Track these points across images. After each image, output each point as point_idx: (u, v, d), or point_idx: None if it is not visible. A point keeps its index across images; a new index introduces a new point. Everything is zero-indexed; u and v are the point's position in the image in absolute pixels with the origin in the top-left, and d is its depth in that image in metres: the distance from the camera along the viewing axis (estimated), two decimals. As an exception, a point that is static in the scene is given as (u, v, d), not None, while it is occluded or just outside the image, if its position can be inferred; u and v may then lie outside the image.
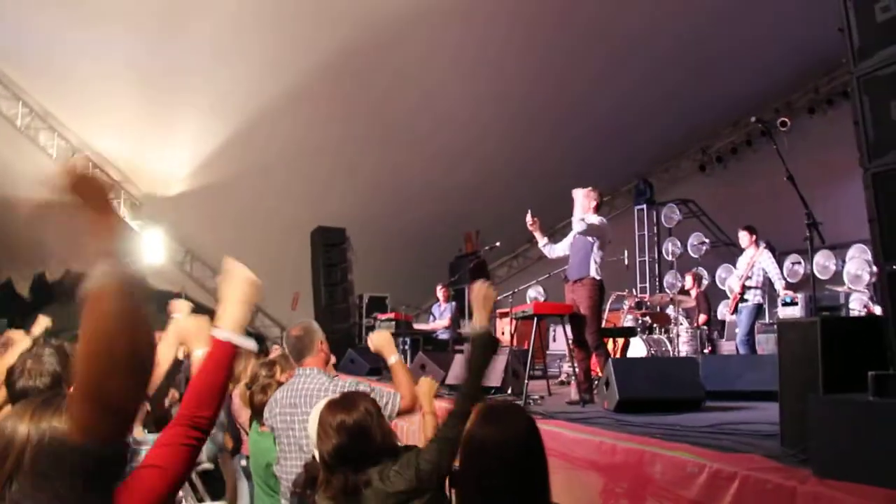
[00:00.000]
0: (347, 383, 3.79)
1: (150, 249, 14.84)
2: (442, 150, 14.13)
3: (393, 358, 4.02)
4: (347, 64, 12.10)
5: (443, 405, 6.55)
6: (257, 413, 4.44)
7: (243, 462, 5.37)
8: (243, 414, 5.53)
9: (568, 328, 7.32)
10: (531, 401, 6.76)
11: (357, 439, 2.70)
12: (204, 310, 10.98)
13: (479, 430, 2.20)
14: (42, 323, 4.83)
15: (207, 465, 7.64)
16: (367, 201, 14.52)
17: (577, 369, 7.13)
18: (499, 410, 2.38)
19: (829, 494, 2.78)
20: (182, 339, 2.77)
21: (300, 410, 3.73)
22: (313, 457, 2.97)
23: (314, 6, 11.27)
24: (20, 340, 5.52)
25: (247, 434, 5.32)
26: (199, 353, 2.66)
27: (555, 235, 7.70)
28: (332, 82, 12.47)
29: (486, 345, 2.97)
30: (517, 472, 2.12)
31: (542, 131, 14.21)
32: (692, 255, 13.53)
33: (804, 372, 3.51)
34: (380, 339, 4.05)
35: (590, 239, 7.06)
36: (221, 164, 13.64)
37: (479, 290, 3.14)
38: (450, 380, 8.00)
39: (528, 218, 7.19)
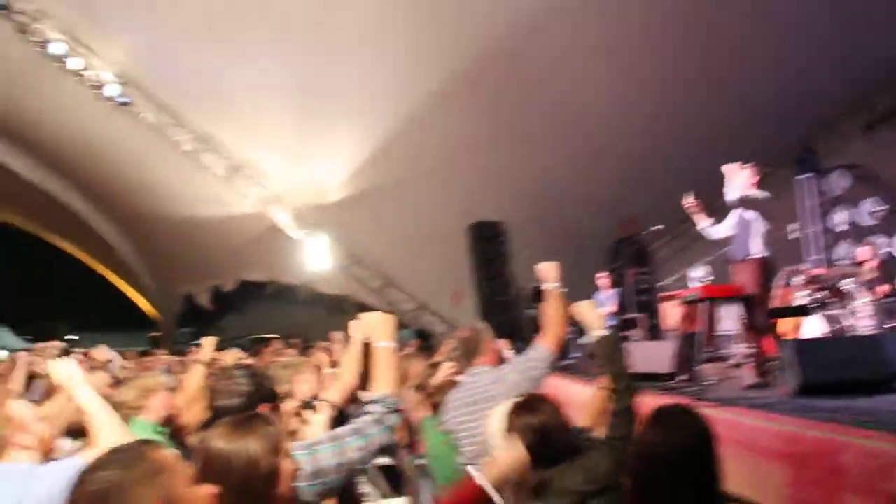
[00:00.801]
0: (527, 385, 3.77)
1: (316, 256, 15.39)
2: (591, 136, 13.95)
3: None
4: (495, 58, 12.14)
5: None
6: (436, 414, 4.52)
7: (419, 461, 5.47)
8: (413, 414, 5.64)
9: (739, 310, 7.09)
10: (705, 385, 6.59)
11: (542, 440, 2.74)
12: (368, 310, 11.26)
13: (650, 435, 2.15)
14: (208, 345, 5.09)
15: (387, 460, 7.87)
16: (522, 192, 14.52)
17: (751, 352, 6.90)
18: (672, 415, 2.32)
19: None
20: (366, 333, 2.87)
21: (480, 407, 3.71)
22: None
23: (457, 5, 11.40)
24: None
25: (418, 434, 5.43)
26: (384, 345, 2.75)
27: (714, 214, 7.42)
28: (477, 79, 12.54)
29: (614, 341, 3.34)
30: (687, 479, 2.06)
31: (690, 107, 13.77)
32: (865, 223, 12.76)
33: None
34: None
35: (753, 216, 6.82)
36: (377, 167, 13.99)
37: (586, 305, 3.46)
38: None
39: (688, 200, 7.01)
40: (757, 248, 6.72)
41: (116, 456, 1.82)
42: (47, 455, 3.04)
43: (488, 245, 14.25)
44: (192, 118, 14.14)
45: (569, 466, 2.73)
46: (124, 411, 4.30)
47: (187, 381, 4.85)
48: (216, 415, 2.65)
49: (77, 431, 4.59)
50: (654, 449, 2.10)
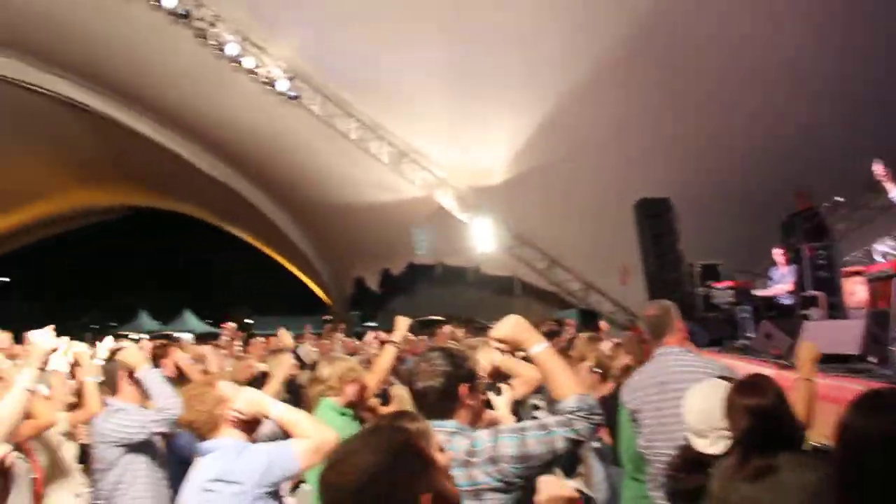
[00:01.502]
0: (714, 365, 3.68)
1: (481, 238, 15.52)
2: (761, 107, 13.35)
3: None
4: (656, 30, 11.84)
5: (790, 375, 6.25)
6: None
7: (595, 444, 5.43)
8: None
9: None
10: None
11: (768, 423, 2.66)
12: (536, 291, 11.32)
13: (861, 419, 1.98)
14: (402, 325, 5.19)
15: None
16: (690, 166, 14.09)
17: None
18: (887, 398, 2.11)
19: None
20: (514, 342, 2.81)
21: (671, 388, 3.65)
22: (688, 439, 2.99)
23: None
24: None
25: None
26: (539, 349, 2.71)
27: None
28: (638, 51, 12.25)
29: None
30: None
31: (872, 69, 12.95)
32: None
33: None
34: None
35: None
36: (539, 147, 13.93)
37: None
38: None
39: (878, 167, 6.60)
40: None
41: (373, 439, 1.69)
42: (253, 434, 3.28)
43: (656, 222, 13.89)
44: (358, 107, 14.56)
45: (798, 457, 2.63)
46: (319, 389, 4.51)
47: (379, 362, 4.99)
48: (416, 396, 2.72)
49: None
50: (868, 436, 1.93)
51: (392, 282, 22.55)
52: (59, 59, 16.78)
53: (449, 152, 14.95)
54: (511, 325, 2.77)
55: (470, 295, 20.04)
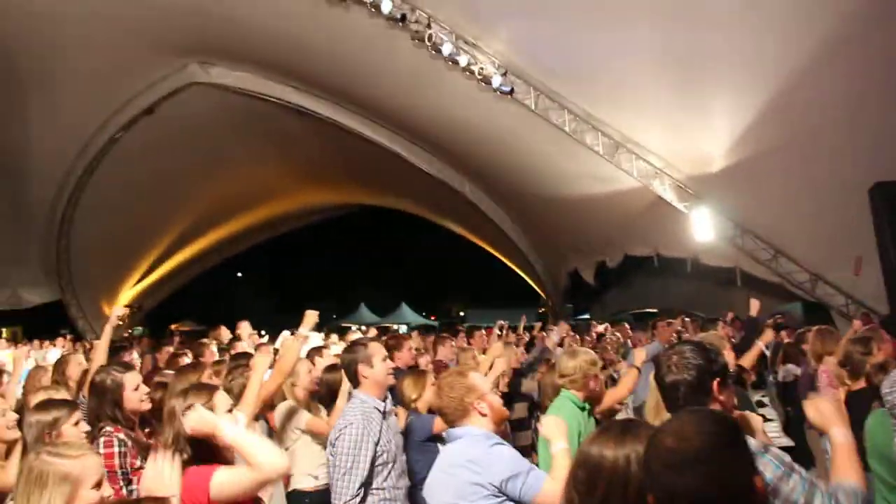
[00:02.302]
0: None
1: (701, 228, 15.09)
2: None
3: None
4: (879, 7, 11.01)
5: None
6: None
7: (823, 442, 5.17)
8: (831, 392, 5.33)
9: None
10: None
11: None
12: (759, 282, 10.88)
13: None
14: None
15: (786, 441, 7.55)
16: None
17: None
18: None
19: None
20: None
21: None
22: None
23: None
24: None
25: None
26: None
27: None
28: (874, 24, 11.37)
29: None
30: None
31: None
32: None
33: None
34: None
35: None
36: (762, 132, 13.31)
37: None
38: None
39: None
40: None
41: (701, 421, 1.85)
42: (501, 426, 3.48)
43: (893, 207, 12.95)
44: (571, 99, 14.54)
45: None
46: (560, 380, 4.60)
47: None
48: (667, 389, 2.72)
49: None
50: None
51: (607, 274, 22.38)
52: (287, 70, 17.97)
53: (666, 140, 14.61)
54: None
55: (688, 287, 19.53)
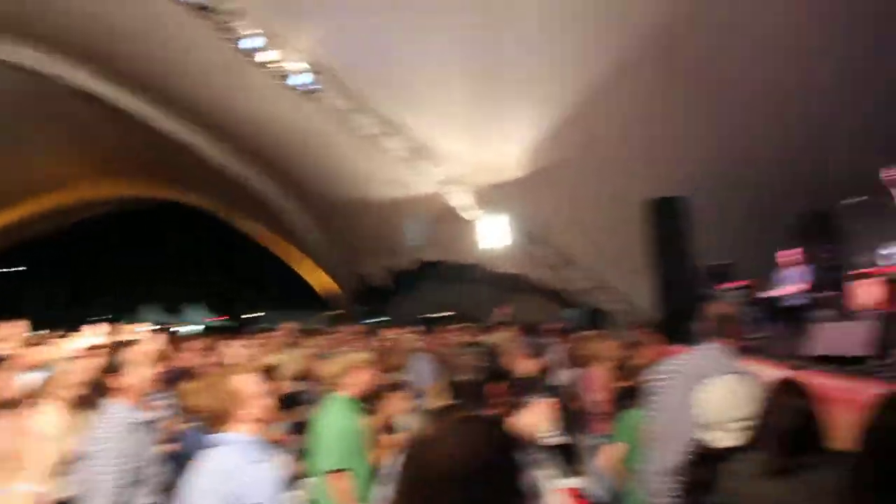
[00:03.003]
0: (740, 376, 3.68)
1: (492, 235, 15.57)
2: (777, 107, 13.33)
3: None
4: (670, 27, 11.83)
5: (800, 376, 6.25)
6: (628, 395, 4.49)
7: (597, 441, 5.47)
8: (600, 394, 5.63)
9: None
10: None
11: (808, 424, 2.76)
12: (542, 289, 11.37)
13: (888, 420, 2.00)
14: None
15: (561, 440, 7.92)
16: (704, 167, 14.06)
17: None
18: None
19: None
20: None
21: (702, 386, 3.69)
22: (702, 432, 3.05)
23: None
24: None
25: (603, 415, 5.42)
26: None
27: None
28: (655, 48, 12.22)
29: None
30: None
31: (883, 73, 12.93)
32: None
33: None
34: None
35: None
36: (553, 145, 13.97)
37: None
38: (812, 350, 7.58)
39: (888, 172, 6.61)
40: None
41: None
42: (266, 429, 3.26)
43: (668, 221, 13.93)
44: (375, 103, 14.58)
45: (818, 460, 2.69)
46: (326, 385, 4.56)
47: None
48: (451, 386, 2.77)
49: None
50: (891, 436, 1.94)
51: (400, 278, 22.60)
52: (82, 53, 16.86)
53: (463, 148, 14.98)
54: None
55: (478, 292, 20.06)
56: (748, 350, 9.37)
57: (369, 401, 4.63)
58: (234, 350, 7.84)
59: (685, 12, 11.65)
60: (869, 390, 5.17)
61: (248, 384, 3.18)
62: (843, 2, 11.76)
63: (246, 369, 3.37)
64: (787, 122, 13.54)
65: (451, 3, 12.01)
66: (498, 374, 2.81)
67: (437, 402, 3.62)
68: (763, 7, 11.74)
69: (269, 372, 5.61)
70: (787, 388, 2.86)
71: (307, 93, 14.08)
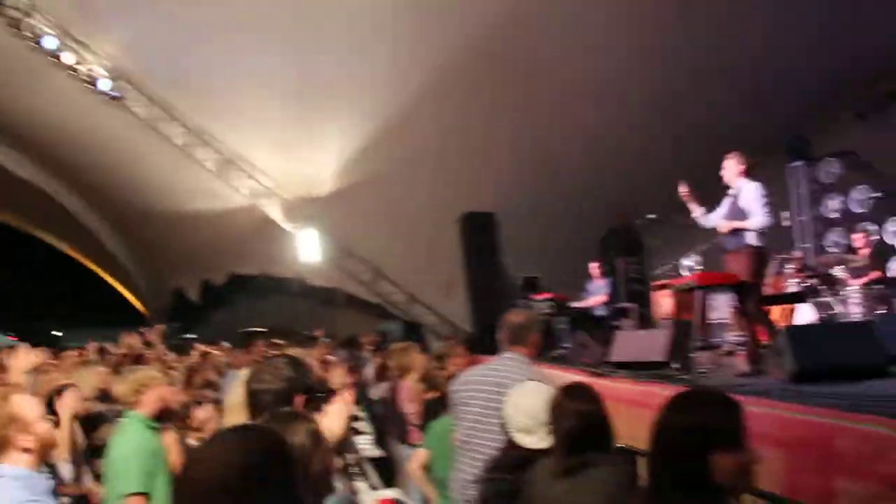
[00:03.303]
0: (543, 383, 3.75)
1: (307, 249, 15.40)
2: (588, 125, 13.93)
3: None
4: (484, 47, 12.11)
5: (601, 382, 6.54)
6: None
7: (410, 452, 5.49)
8: (411, 406, 5.66)
9: (732, 298, 7.11)
10: (699, 374, 6.61)
11: (590, 426, 2.86)
12: (360, 302, 11.35)
13: (671, 417, 2.11)
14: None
15: (378, 452, 7.93)
16: (515, 182, 14.52)
17: (744, 339, 6.93)
18: (691, 398, 2.26)
19: None
20: None
21: (504, 394, 3.62)
22: (510, 440, 3.11)
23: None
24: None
25: (415, 426, 5.45)
26: None
27: (709, 203, 7.41)
28: (470, 67, 12.50)
29: None
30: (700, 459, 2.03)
31: (683, 95, 13.80)
32: (857, 210, 12.83)
33: None
34: None
35: (743, 207, 6.82)
36: (367, 160, 13.98)
37: None
38: (612, 357, 7.93)
39: (682, 188, 7.01)
40: (748, 238, 6.72)
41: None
42: (47, 456, 2.97)
43: (480, 236, 14.28)
44: (184, 112, 14.10)
45: (603, 458, 2.82)
46: (120, 405, 4.32)
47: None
48: (254, 396, 2.67)
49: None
50: (673, 430, 2.05)
51: (213, 293, 21.92)
52: None
53: (277, 160, 14.74)
54: None
55: (294, 306, 19.79)
56: (556, 359, 9.77)
57: (170, 419, 4.44)
58: (20, 366, 7.30)
59: (501, 32, 11.95)
60: (663, 393, 5.45)
61: (28, 407, 2.85)
62: (653, 30, 12.43)
63: (26, 390, 3.04)
64: (596, 140, 14.18)
65: (264, 13, 11.79)
66: (308, 387, 2.73)
67: (238, 416, 3.47)
68: (579, 30, 12.23)
69: (60, 392, 5.28)
70: (569, 392, 2.97)
71: (111, 100, 13.43)
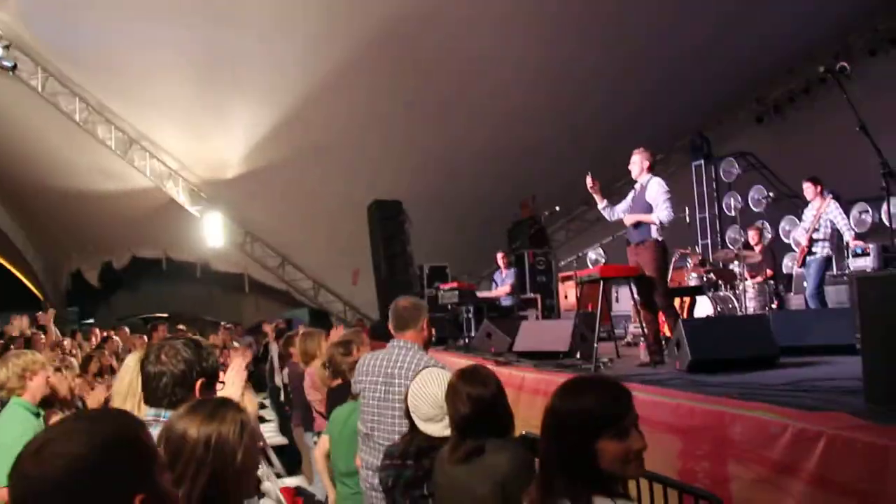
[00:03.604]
0: (442, 367, 3.68)
1: (212, 233, 15.10)
2: (495, 117, 14.07)
3: None
4: (393, 35, 12.08)
5: (505, 371, 6.60)
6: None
7: (315, 439, 5.44)
8: (315, 393, 5.60)
9: (635, 290, 7.26)
10: (601, 364, 6.73)
11: (486, 411, 2.84)
12: (265, 288, 11.17)
13: (561, 402, 2.13)
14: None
15: (281, 440, 7.85)
16: (422, 172, 14.55)
17: (645, 331, 7.08)
18: (580, 384, 2.26)
19: (923, 452, 2.69)
20: None
21: (397, 382, 3.73)
22: (412, 427, 3.08)
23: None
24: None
25: (320, 414, 5.40)
26: None
27: (612, 197, 7.55)
28: (379, 55, 12.47)
29: None
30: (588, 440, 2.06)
31: (594, 93, 14.06)
32: (754, 209, 13.29)
33: (887, 325, 3.43)
34: None
35: (648, 201, 6.96)
36: (275, 144, 13.78)
37: None
38: (517, 346, 8.01)
39: (588, 180, 7.10)
40: (652, 232, 6.86)
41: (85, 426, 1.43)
42: None
43: (388, 224, 14.24)
44: (87, 87, 13.59)
45: (500, 443, 2.81)
46: (3, 391, 4.15)
47: None
48: (150, 379, 2.56)
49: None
50: (564, 415, 2.07)
51: (114, 276, 21.24)
52: None
53: (183, 142, 14.37)
54: None
55: (198, 291, 19.38)
56: (461, 348, 9.83)
57: (59, 406, 4.30)
58: None
59: (411, 23, 11.91)
60: (557, 380, 5.53)
61: None
62: (561, 29, 12.59)
63: None
64: (506, 133, 14.30)
65: None
66: (210, 370, 2.65)
67: (130, 403, 3.35)
68: (490, 25, 12.29)
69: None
70: (464, 377, 2.95)
71: (3, 69, 12.84)
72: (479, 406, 2.82)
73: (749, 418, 3.67)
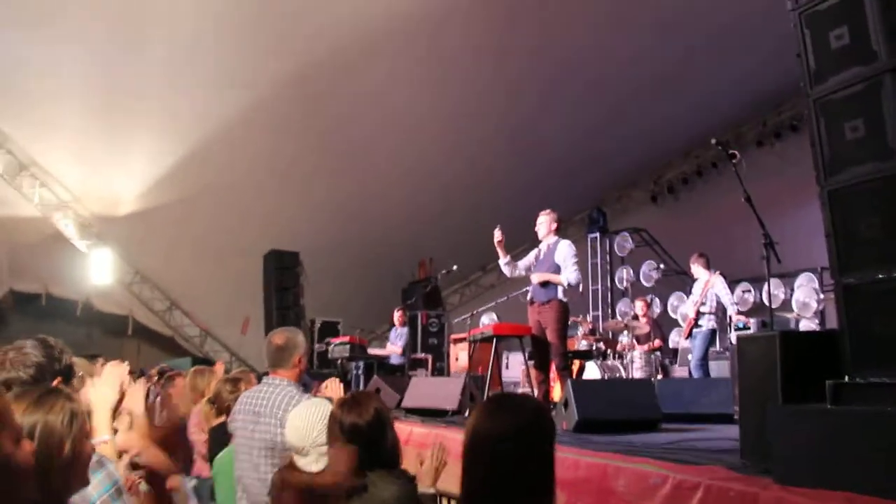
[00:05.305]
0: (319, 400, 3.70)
1: (98, 270, 14.61)
2: (398, 176, 14.17)
3: None
4: (304, 85, 12.04)
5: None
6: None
7: (193, 483, 5.26)
8: (200, 434, 5.44)
9: (527, 350, 7.35)
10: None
11: (366, 441, 2.75)
12: (150, 333, 10.85)
13: (484, 421, 2.09)
14: None
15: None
16: (321, 224, 14.48)
17: (535, 392, 7.16)
18: (502, 402, 2.28)
19: (791, 499, 2.85)
20: None
21: (263, 420, 3.67)
22: (291, 463, 3.01)
23: (270, 28, 11.15)
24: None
25: (202, 456, 5.24)
26: None
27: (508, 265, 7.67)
28: (288, 103, 12.39)
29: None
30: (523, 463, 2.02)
31: (497, 163, 14.35)
32: (644, 283, 13.75)
33: (763, 385, 3.57)
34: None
35: (556, 262, 7.11)
36: (174, 185, 13.44)
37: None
38: (406, 402, 7.99)
39: (497, 233, 7.22)
40: (559, 293, 7.00)
41: None
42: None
43: (284, 274, 14.12)
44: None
45: (385, 475, 2.72)
46: None
47: None
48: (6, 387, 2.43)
49: None
50: (489, 434, 2.03)
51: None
52: None
53: (77, 173, 13.77)
54: None
55: (77, 331, 18.58)
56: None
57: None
58: None
59: (325, 70, 11.91)
60: (449, 435, 5.58)
61: None
62: (460, 99, 12.85)
63: None
64: (407, 193, 14.42)
65: (80, 9, 10.94)
66: (63, 371, 2.54)
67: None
68: (398, 78, 12.43)
69: None
70: (344, 406, 2.86)
71: None
72: (354, 436, 2.74)
73: (632, 471, 3.77)
